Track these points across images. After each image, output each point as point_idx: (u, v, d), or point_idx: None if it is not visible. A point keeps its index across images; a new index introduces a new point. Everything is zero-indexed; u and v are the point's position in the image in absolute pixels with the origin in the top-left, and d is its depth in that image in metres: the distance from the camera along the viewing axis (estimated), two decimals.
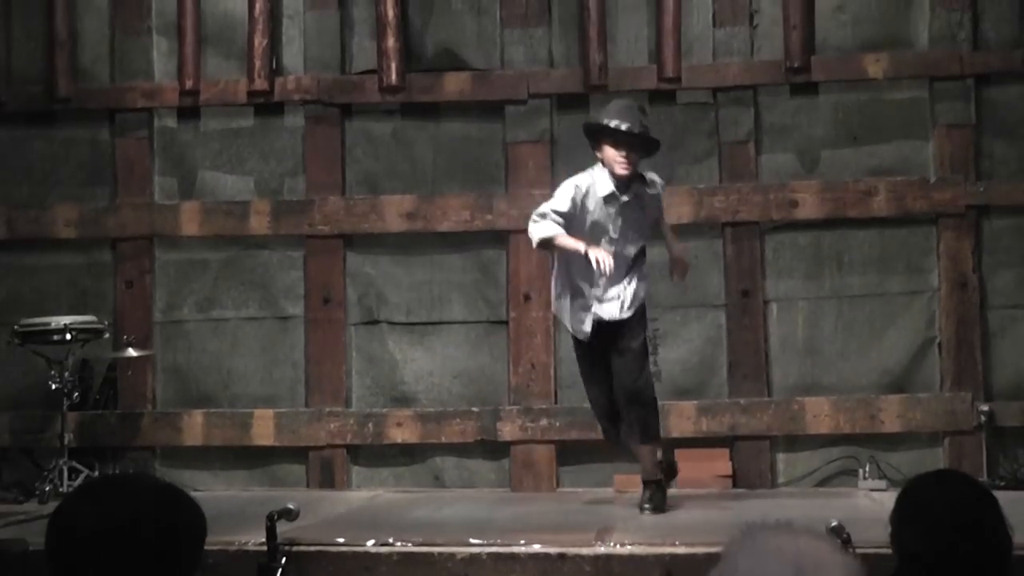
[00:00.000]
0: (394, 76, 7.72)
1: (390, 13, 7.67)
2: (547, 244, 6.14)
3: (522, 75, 7.79)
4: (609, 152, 6.12)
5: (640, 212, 6.26)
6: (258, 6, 7.74)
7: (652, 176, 6.36)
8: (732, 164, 7.70)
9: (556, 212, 6.08)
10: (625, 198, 6.17)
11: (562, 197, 6.12)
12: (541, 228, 6.10)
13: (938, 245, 7.58)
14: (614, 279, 6.17)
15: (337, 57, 7.93)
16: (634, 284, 6.25)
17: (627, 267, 6.24)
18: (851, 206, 7.59)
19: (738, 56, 7.73)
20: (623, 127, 6.07)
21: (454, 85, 7.85)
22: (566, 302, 6.29)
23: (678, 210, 7.60)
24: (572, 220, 6.09)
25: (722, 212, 7.63)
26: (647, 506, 6.22)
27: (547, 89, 7.80)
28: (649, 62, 7.73)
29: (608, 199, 6.15)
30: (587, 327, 6.23)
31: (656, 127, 7.70)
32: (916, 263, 7.61)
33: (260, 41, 7.76)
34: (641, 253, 6.33)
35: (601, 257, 5.95)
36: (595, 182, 6.15)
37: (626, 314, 6.21)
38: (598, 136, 6.17)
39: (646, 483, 6.30)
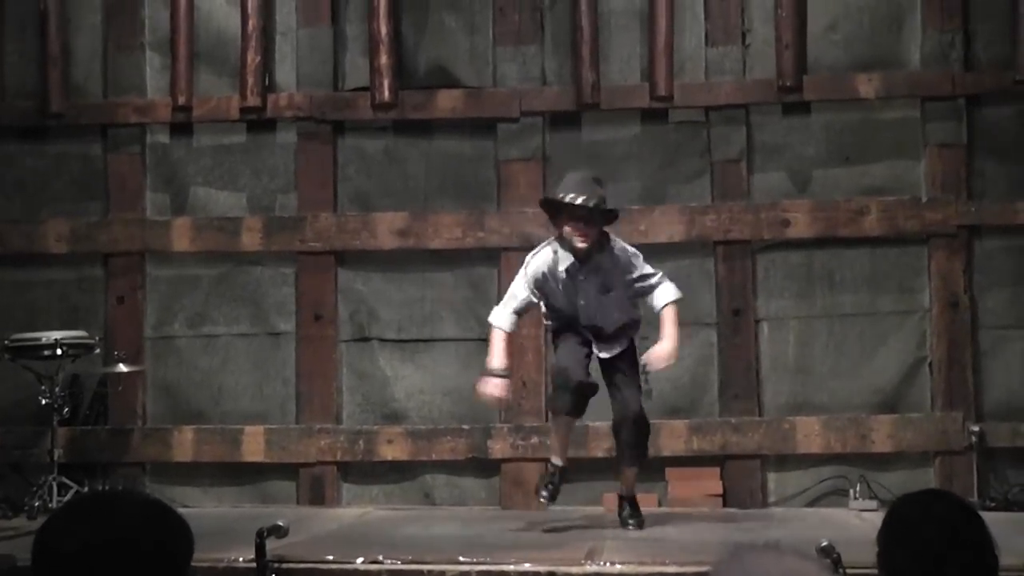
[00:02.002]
0: (387, 93, 7.73)
1: (383, 30, 7.69)
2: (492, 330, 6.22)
3: (514, 93, 7.81)
4: (566, 227, 6.10)
5: (613, 276, 6.16)
6: (251, 23, 7.76)
7: (623, 246, 6.25)
8: (724, 183, 7.71)
9: (516, 304, 6.18)
10: (584, 273, 6.12)
11: (523, 283, 6.17)
12: (495, 314, 6.23)
13: (929, 265, 7.59)
14: (610, 335, 6.18)
15: (330, 74, 7.94)
16: (626, 339, 6.22)
17: (621, 327, 6.19)
18: (843, 225, 7.60)
19: (730, 75, 7.75)
20: (577, 200, 6.02)
21: (446, 102, 7.86)
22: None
23: (670, 229, 7.63)
24: (535, 302, 6.20)
25: (714, 231, 7.64)
26: (632, 521, 6.32)
27: (539, 107, 7.81)
28: (641, 80, 7.75)
29: (569, 272, 6.12)
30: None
31: (648, 146, 7.78)
32: (907, 283, 7.63)
33: (253, 58, 7.77)
34: (630, 326, 6.24)
35: (482, 386, 6.13)
36: (558, 257, 6.15)
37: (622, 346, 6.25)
38: (556, 211, 6.15)
39: (629, 500, 6.44)
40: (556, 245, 6.19)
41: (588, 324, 6.16)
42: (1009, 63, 7.55)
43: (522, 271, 6.23)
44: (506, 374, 6.19)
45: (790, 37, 7.57)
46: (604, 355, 6.21)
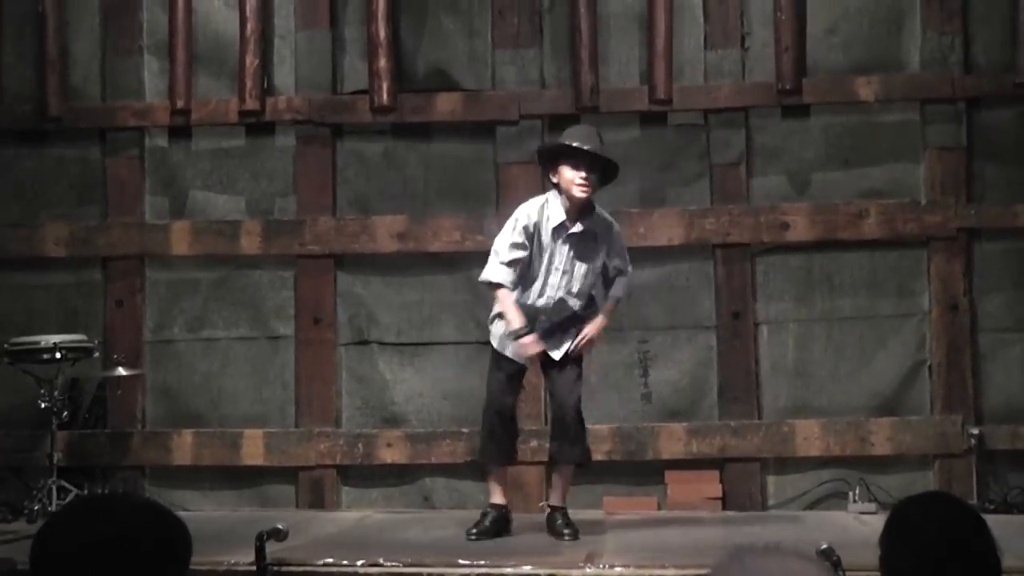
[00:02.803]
0: (385, 96, 7.73)
1: (382, 33, 7.69)
2: (490, 286, 6.05)
3: (513, 96, 7.80)
4: (567, 174, 5.95)
5: (592, 249, 6.07)
6: (249, 26, 7.75)
7: (609, 219, 6.18)
8: (723, 186, 7.71)
9: (507, 256, 5.98)
10: (576, 229, 5.99)
11: (513, 232, 6.01)
12: (490, 272, 6.02)
13: (929, 268, 7.59)
14: (558, 325, 6.06)
15: (328, 77, 7.93)
16: (576, 335, 6.09)
17: (573, 315, 6.09)
18: (842, 229, 7.60)
19: (729, 78, 7.75)
20: (585, 147, 5.93)
21: (445, 105, 7.86)
22: (502, 327, 6.11)
23: (669, 232, 7.62)
24: (525, 256, 6.02)
25: (713, 234, 7.64)
26: (568, 532, 6.10)
27: (538, 110, 7.81)
28: (640, 84, 7.74)
29: (557, 230, 5.99)
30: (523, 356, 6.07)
31: (647, 149, 7.78)
32: (907, 286, 7.62)
33: (251, 61, 7.77)
34: (591, 303, 6.15)
35: (520, 350, 5.93)
36: (548, 213, 6.01)
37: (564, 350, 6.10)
38: (555, 159, 6.02)
39: (562, 509, 6.21)
40: (548, 201, 6.05)
41: (550, 298, 5.99)
42: (1009, 66, 7.55)
43: (510, 222, 6.07)
44: (531, 328, 5.97)
45: (789, 40, 7.57)
46: (555, 353, 6.06)
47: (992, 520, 2.66)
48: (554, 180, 6.05)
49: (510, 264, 6.00)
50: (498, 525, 6.22)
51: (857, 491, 7.26)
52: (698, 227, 7.64)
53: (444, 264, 7.84)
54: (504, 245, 6.03)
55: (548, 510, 6.31)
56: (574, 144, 5.95)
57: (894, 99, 7.67)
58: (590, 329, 6.09)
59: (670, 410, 7.62)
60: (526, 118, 7.80)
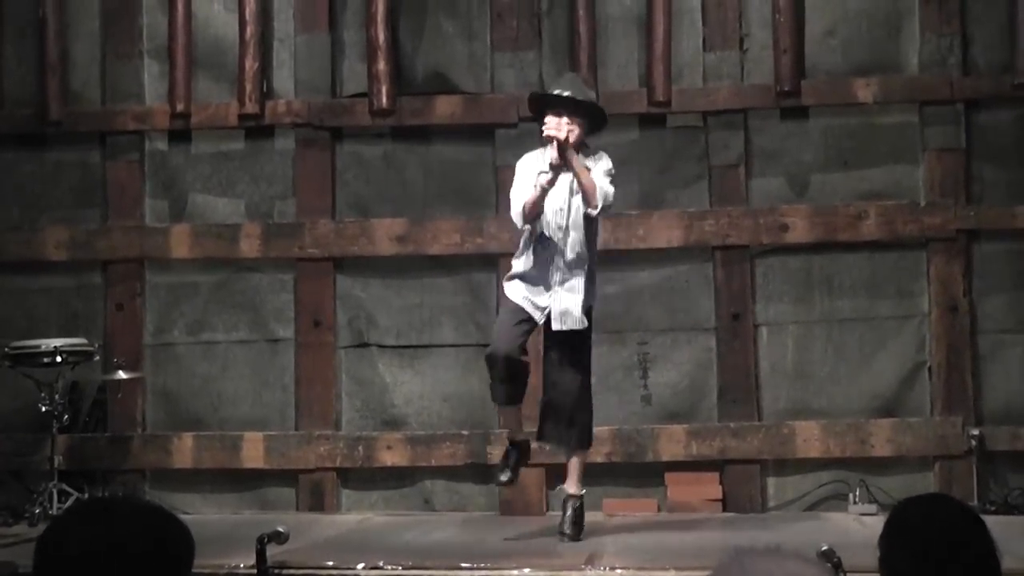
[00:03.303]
0: (385, 100, 7.73)
1: (381, 37, 7.70)
2: (528, 215, 6.03)
3: (512, 99, 7.80)
4: (548, 119, 6.01)
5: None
6: (249, 30, 7.76)
7: (602, 155, 6.14)
8: (722, 188, 7.71)
9: (521, 185, 6.07)
10: (561, 171, 5.97)
11: (521, 179, 6.09)
12: (515, 208, 6.06)
13: (928, 269, 7.59)
14: (568, 267, 6.03)
15: (328, 81, 7.94)
16: (585, 279, 6.05)
17: (576, 257, 6.04)
18: (841, 230, 7.60)
19: (728, 80, 7.76)
20: (564, 93, 5.98)
21: (445, 108, 7.86)
22: (518, 286, 6.10)
23: (668, 234, 7.63)
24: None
25: (712, 236, 7.64)
26: (566, 532, 6.08)
27: None
28: (639, 86, 7.75)
29: (548, 169, 6.01)
30: (539, 315, 6.05)
31: (646, 151, 7.78)
32: (906, 287, 7.63)
33: (251, 65, 7.78)
34: (588, 254, 6.09)
35: (553, 150, 5.89)
36: (542, 159, 6.07)
37: (579, 324, 6.05)
38: (542, 112, 6.08)
39: (573, 497, 6.19)
40: (541, 150, 6.11)
41: (560, 239, 6.00)
42: (1007, 67, 7.55)
43: (516, 174, 6.15)
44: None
45: (788, 42, 7.58)
46: (560, 324, 6.00)
47: (992, 521, 2.66)
48: (544, 132, 6.07)
49: (519, 189, 6.10)
50: (522, 457, 6.27)
51: (857, 492, 7.26)
52: (697, 229, 7.64)
53: (444, 267, 7.84)
54: (516, 193, 6.10)
55: (565, 494, 6.28)
56: (554, 92, 6.04)
57: (893, 101, 7.67)
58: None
59: (670, 412, 7.63)
60: (525, 121, 7.77)
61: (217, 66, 7.98)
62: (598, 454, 7.39)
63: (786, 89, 7.59)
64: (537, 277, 6.08)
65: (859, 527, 6.59)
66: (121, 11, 8.01)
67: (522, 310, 6.05)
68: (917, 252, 7.62)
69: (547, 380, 6.22)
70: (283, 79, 7.98)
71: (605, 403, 7.41)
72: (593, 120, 6.14)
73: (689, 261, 7.71)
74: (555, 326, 6.06)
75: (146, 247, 7.90)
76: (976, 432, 7.31)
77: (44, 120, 7.90)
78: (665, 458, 7.48)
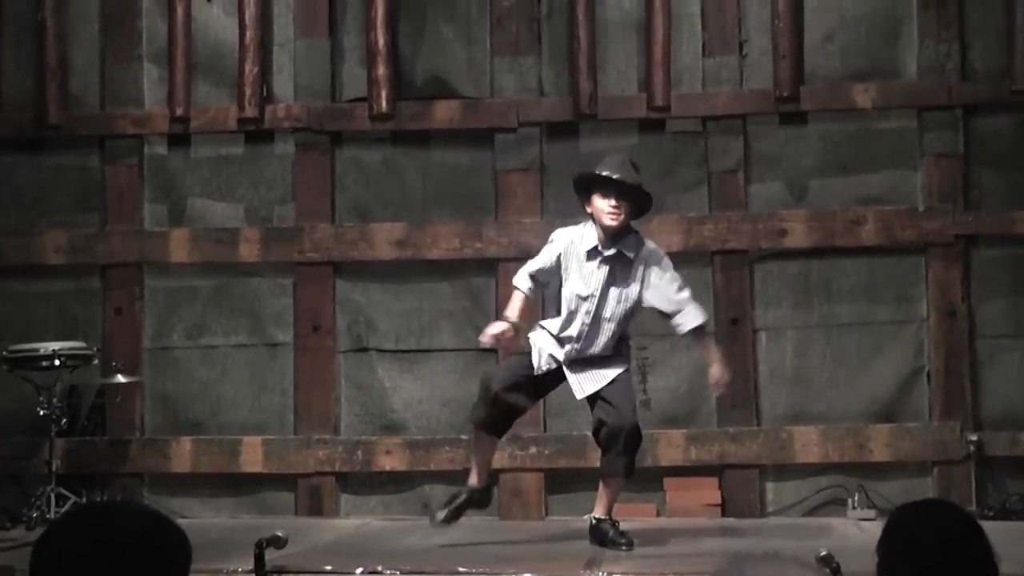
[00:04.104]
0: (384, 104, 7.74)
1: (380, 41, 7.70)
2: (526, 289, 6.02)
3: (512, 103, 7.81)
4: (598, 203, 5.88)
5: (627, 274, 5.94)
6: (248, 34, 7.77)
7: (650, 243, 6.05)
8: (721, 193, 7.72)
9: (534, 266, 6.00)
10: (609, 252, 5.89)
11: (547, 250, 6.00)
12: (521, 276, 6.03)
13: (927, 274, 7.60)
14: (589, 359, 5.93)
15: (327, 85, 7.95)
16: (614, 369, 5.97)
17: (604, 347, 5.94)
18: (840, 235, 7.61)
19: (727, 86, 7.77)
20: (614, 176, 5.85)
21: (444, 113, 7.87)
22: (544, 339, 6.02)
23: (668, 239, 7.61)
24: (552, 275, 5.97)
25: (711, 241, 7.65)
26: (623, 541, 5.95)
27: (537, 117, 7.82)
28: (639, 91, 7.76)
29: (591, 253, 5.90)
30: (545, 365, 5.97)
31: (646, 156, 7.77)
32: (905, 292, 7.63)
33: (250, 69, 7.78)
34: (623, 340, 6.04)
35: (489, 334, 5.87)
36: (582, 237, 5.94)
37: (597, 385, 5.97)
38: (588, 189, 5.95)
39: (608, 520, 6.05)
40: (586, 225, 5.99)
41: (584, 324, 5.90)
42: (1005, 73, 7.57)
43: (549, 243, 6.06)
44: (515, 323, 5.93)
45: (787, 47, 7.59)
46: (588, 388, 5.95)
47: (991, 526, 2.66)
48: (588, 210, 5.96)
49: (533, 276, 6.01)
50: (466, 505, 6.10)
51: (856, 498, 7.26)
52: (696, 234, 7.65)
53: (443, 271, 7.84)
54: (536, 258, 6.04)
55: (594, 522, 6.09)
56: (603, 173, 5.89)
57: (891, 106, 7.68)
58: (716, 370, 6.03)
59: (669, 417, 7.63)
60: (524, 126, 7.81)
61: (217, 70, 7.98)
62: (597, 459, 7.37)
63: (785, 94, 7.60)
64: (560, 345, 5.98)
65: (858, 532, 6.59)
66: (120, 15, 8.02)
67: (530, 366, 5.96)
68: (915, 257, 7.63)
69: (605, 411, 5.96)
70: (283, 83, 7.99)
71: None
72: (639, 203, 6.01)
73: (688, 266, 7.68)
74: (577, 395, 5.99)
75: (145, 251, 7.90)
76: (974, 437, 7.31)
77: (43, 124, 7.91)
78: (664, 463, 7.48)
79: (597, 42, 7.74)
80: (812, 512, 7.49)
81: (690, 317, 5.98)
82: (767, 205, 7.73)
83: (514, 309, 5.99)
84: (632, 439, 5.95)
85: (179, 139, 7.99)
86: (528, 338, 6.06)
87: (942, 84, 7.60)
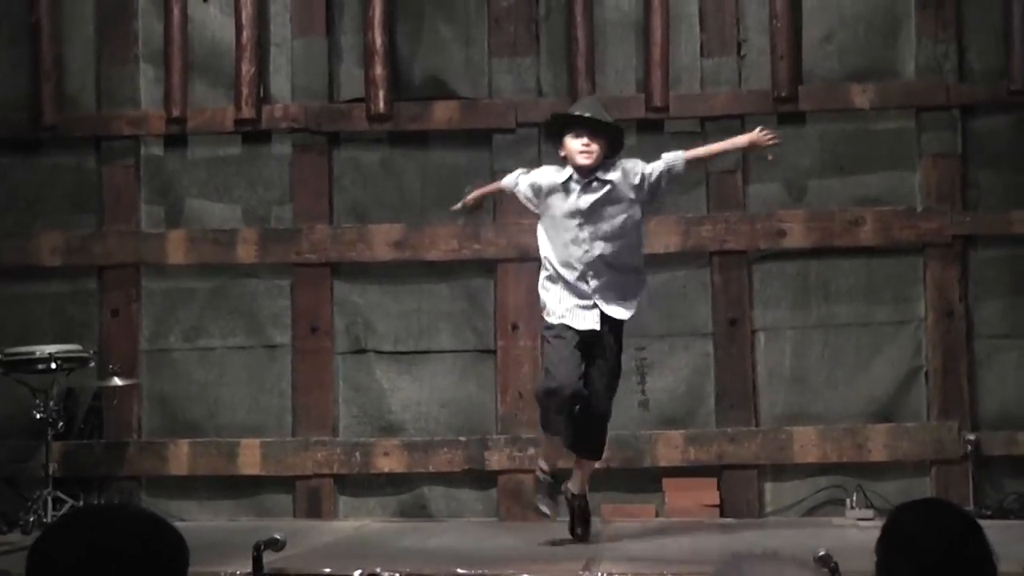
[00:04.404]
0: (382, 105, 7.73)
1: (378, 41, 7.69)
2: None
3: (510, 104, 7.81)
4: (570, 144, 5.96)
5: (613, 194, 5.97)
6: (245, 34, 7.75)
7: (628, 162, 6.08)
8: (720, 193, 7.71)
9: (520, 173, 6.19)
10: (586, 181, 5.94)
11: (530, 175, 6.17)
12: (511, 176, 6.24)
13: (925, 274, 7.60)
14: (608, 284, 5.96)
15: (325, 85, 7.93)
16: (630, 286, 6.06)
17: (610, 272, 5.98)
18: (838, 235, 7.61)
19: (726, 86, 7.76)
20: (586, 114, 5.96)
21: (442, 114, 7.86)
22: (557, 294, 6.02)
23: (666, 239, 7.63)
24: (534, 193, 6.10)
25: (710, 241, 7.64)
26: (579, 532, 6.14)
27: (535, 118, 7.79)
28: (637, 91, 7.75)
29: (566, 183, 5.98)
30: (591, 324, 5.94)
31: (644, 156, 7.74)
32: (903, 292, 7.63)
33: (247, 69, 7.77)
34: (633, 267, 6.08)
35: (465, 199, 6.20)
36: (559, 171, 6.05)
37: (629, 311, 6.05)
38: (560, 133, 6.05)
39: (580, 497, 6.17)
40: (555, 168, 6.12)
41: (588, 253, 5.92)
42: (1003, 73, 7.56)
43: (534, 171, 6.21)
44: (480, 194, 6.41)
45: (785, 48, 7.59)
46: (612, 312, 5.94)
47: (988, 526, 2.66)
48: (562, 154, 6.07)
49: (518, 178, 6.18)
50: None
51: (854, 497, 7.25)
52: (695, 234, 7.65)
53: (441, 272, 7.83)
54: (526, 174, 6.21)
55: (570, 495, 6.22)
56: (575, 113, 6.02)
57: (889, 106, 7.68)
58: (742, 138, 6.31)
59: (667, 417, 7.62)
60: (523, 126, 7.80)
61: (213, 71, 7.97)
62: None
63: (783, 95, 7.60)
64: (573, 286, 5.99)
65: (856, 532, 6.58)
66: (116, 15, 8.00)
67: (571, 333, 5.95)
68: (914, 257, 7.62)
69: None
70: (280, 84, 7.98)
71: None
72: (612, 142, 6.08)
73: (686, 266, 7.71)
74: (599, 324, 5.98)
75: (142, 252, 7.89)
76: (972, 437, 7.32)
77: (39, 125, 7.88)
78: (663, 464, 7.47)
79: (595, 43, 7.73)
80: (811, 512, 7.48)
81: (673, 154, 6.12)
82: (765, 205, 7.72)
83: (485, 187, 6.30)
84: (601, 429, 6.11)
85: (176, 140, 7.97)
86: (544, 304, 6.06)
87: (940, 84, 7.60)
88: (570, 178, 6.01)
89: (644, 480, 7.51)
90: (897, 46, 7.74)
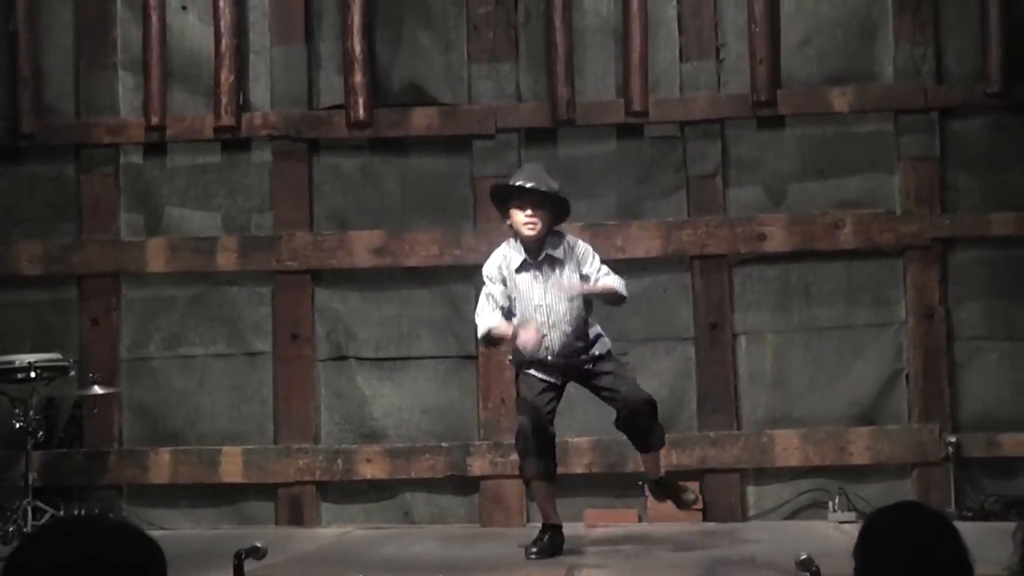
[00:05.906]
0: (361, 111, 7.72)
1: (357, 48, 7.69)
2: (487, 338, 6.03)
3: (489, 110, 7.81)
4: (515, 216, 5.92)
5: (561, 274, 5.95)
6: (224, 42, 7.74)
7: (578, 241, 6.09)
8: (700, 198, 7.73)
9: (490, 291, 5.97)
10: (539, 259, 5.92)
11: (489, 287, 6.00)
12: (481, 320, 6.00)
13: (905, 277, 7.62)
14: (565, 340, 5.94)
15: (304, 92, 7.92)
16: (589, 333, 6.02)
17: (579, 348, 5.99)
18: (818, 239, 7.63)
19: (705, 90, 7.78)
20: (528, 185, 5.88)
21: (422, 120, 7.86)
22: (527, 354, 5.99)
23: (647, 244, 7.64)
24: (507, 298, 5.99)
25: (690, 245, 7.65)
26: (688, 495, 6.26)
27: (515, 123, 7.81)
28: (616, 96, 7.76)
29: (520, 268, 5.94)
30: (555, 379, 6.00)
31: (623, 161, 7.79)
32: (883, 295, 7.65)
33: (227, 77, 7.75)
34: (582, 307, 6.02)
35: (527, 339, 5.78)
36: (510, 256, 5.97)
37: (596, 352, 6.04)
38: (505, 203, 5.99)
39: (660, 479, 6.27)
40: (507, 245, 6.03)
41: (549, 338, 5.90)
42: (980, 76, 7.59)
43: (485, 280, 6.06)
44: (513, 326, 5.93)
45: (764, 52, 7.60)
46: (588, 374, 6.00)
47: (970, 528, 2.67)
48: (508, 223, 6.01)
49: (500, 308, 5.98)
50: (554, 544, 5.99)
51: (837, 500, 7.27)
52: (675, 239, 7.65)
53: (422, 279, 7.83)
54: (483, 300, 6.03)
55: (653, 484, 6.29)
56: (517, 184, 5.93)
57: (868, 110, 7.71)
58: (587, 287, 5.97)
59: None
60: (503, 132, 7.81)
61: (192, 78, 7.95)
62: (578, 465, 7.41)
63: (762, 99, 7.62)
64: (539, 364, 5.98)
65: (839, 535, 6.59)
66: (95, 23, 7.97)
67: (543, 381, 5.98)
68: (893, 260, 7.65)
69: (617, 401, 6.02)
70: (259, 91, 7.96)
71: (585, 414, 7.39)
72: (557, 209, 6.01)
73: (667, 271, 7.72)
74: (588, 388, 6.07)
75: (122, 261, 7.86)
76: (953, 439, 7.34)
77: (17, 133, 7.85)
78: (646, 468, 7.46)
79: (574, 48, 7.74)
80: (793, 515, 7.50)
81: (607, 279, 5.97)
82: (745, 209, 7.74)
83: (504, 324, 5.92)
84: (649, 415, 6.00)
85: (155, 148, 7.95)
86: (515, 363, 6.11)
87: (918, 87, 7.63)
88: (525, 261, 5.95)
89: (627, 485, 7.50)
90: (875, 49, 7.77)
